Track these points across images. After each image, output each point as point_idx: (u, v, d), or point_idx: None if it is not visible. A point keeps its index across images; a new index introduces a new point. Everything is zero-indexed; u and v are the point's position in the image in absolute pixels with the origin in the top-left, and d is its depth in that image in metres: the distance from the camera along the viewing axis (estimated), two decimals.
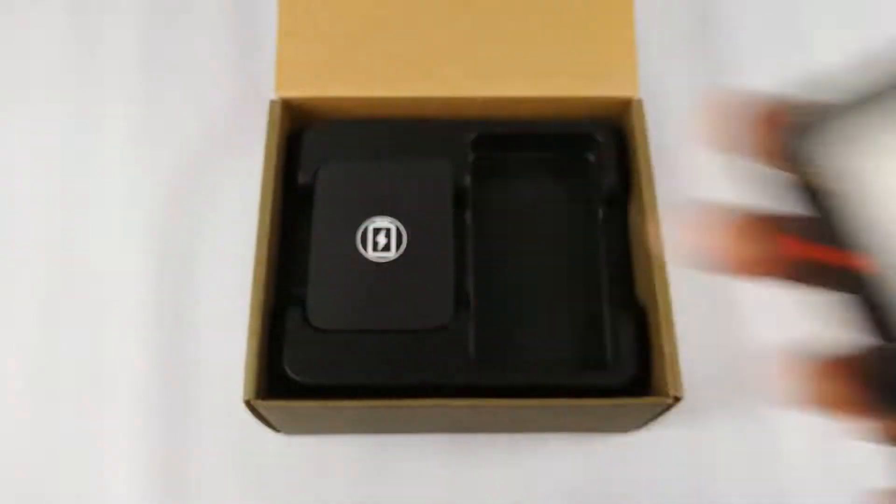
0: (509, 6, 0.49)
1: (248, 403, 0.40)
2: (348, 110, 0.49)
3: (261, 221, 0.44)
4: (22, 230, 0.54)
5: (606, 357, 0.46)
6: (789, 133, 0.20)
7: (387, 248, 0.48)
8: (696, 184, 0.57)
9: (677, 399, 0.41)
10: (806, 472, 0.49)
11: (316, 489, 0.48)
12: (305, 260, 0.46)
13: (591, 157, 0.50)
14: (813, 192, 0.20)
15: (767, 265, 0.21)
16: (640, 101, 0.48)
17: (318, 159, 0.47)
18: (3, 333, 0.52)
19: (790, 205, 0.21)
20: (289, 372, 0.42)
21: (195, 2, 0.61)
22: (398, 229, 0.48)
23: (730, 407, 0.51)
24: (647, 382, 0.44)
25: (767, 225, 0.21)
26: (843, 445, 0.50)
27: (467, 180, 0.47)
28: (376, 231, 0.48)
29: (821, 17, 0.62)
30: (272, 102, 0.47)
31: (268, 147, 0.46)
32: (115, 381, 0.50)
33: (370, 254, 0.48)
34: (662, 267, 0.43)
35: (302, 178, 0.47)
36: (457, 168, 0.47)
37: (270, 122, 0.47)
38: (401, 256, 0.48)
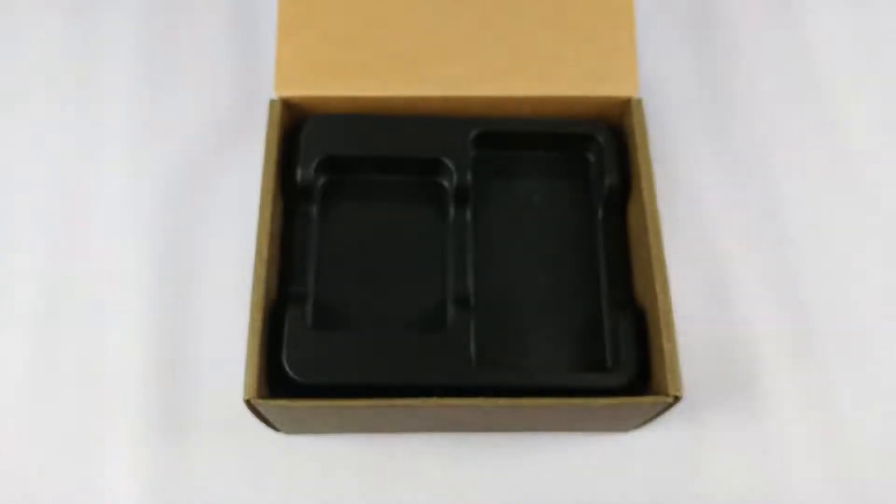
0: (509, 6, 0.49)
1: (248, 403, 0.40)
2: (348, 110, 0.49)
3: (261, 220, 0.44)
4: (22, 229, 0.54)
5: (606, 357, 0.46)
6: None
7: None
8: (696, 183, 0.57)
9: (677, 398, 0.41)
10: (804, 472, 0.49)
11: (316, 489, 0.48)
12: (305, 259, 0.46)
13: (591, 157, 0.50)
14: None
15: None
16: (640, 101, 0.48)
17: (317, 154, 0.47)
18: (4, 333, 0.52)
19: None
20: (289, 371, 0.42)
21: (195, 2, 0.62)
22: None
23: (729, 407, 0.51)
24: (647, 382, 0.44)
25: None
26: (842, 445, 0.50)
27: (468, 178, 0.47)
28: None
29: (821, 16, 0.62)
30: (272, 102, 0.47)
31: (268, 146, 0.46)
32: (115, 380, 0.50)
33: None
34: (662, 267, 0.43)
35: (301, 172, 0.47)
36: (458, 165, 0.47)
37: (270, 122, 0.47)
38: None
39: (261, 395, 0.40)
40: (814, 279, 0.54)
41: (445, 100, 0.48)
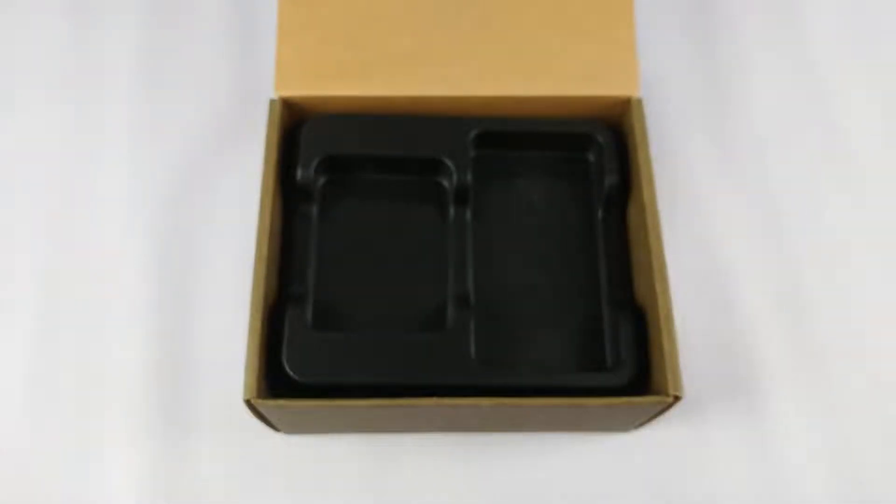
0: (509, 6, 0.49)
1: (248, 403, 0.40)
2: (348, 110, 0.49)
3: (261, 220, 0.44)
4: (22, 230, 0.54)
5: (606, 357, 0.46)
6: None
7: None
8: (696, 183, 0.57)
9: (677, 398, 0.41)
10: (805, 472, 0.49)
11: (316, 489, 0.48)
12: (305, 259, 0.46)
13: (591, 157, 0.50)
14: None
15: None
16: (640, 101, 0.48)
17: (317, 154, 0.47)
18: (4, 333, 0.52)
19: None
20: (289, 371, 0.42)
21: (195, 2, 0.62)
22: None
23: (729, 406, 0.51)
24: (647, 382, 0.44)
25: None
26: (843, 445, 0.50)
27: (468, 177, 0.48)
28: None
29: (821, 16, 0.62)
30: (272, 102, 0.47)
31: (268, 146, 0.46)
32: (116, 380, 0.50)
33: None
34: (662, 267, 0.43)
35: (301, 172, 0.47)
36: (458, 165, 0.47)
37: (270, 122, 0.47)
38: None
39: (261, 395, 0.40)
40: (814, 279, 0.54)
41: (445, 100, 0.48)
